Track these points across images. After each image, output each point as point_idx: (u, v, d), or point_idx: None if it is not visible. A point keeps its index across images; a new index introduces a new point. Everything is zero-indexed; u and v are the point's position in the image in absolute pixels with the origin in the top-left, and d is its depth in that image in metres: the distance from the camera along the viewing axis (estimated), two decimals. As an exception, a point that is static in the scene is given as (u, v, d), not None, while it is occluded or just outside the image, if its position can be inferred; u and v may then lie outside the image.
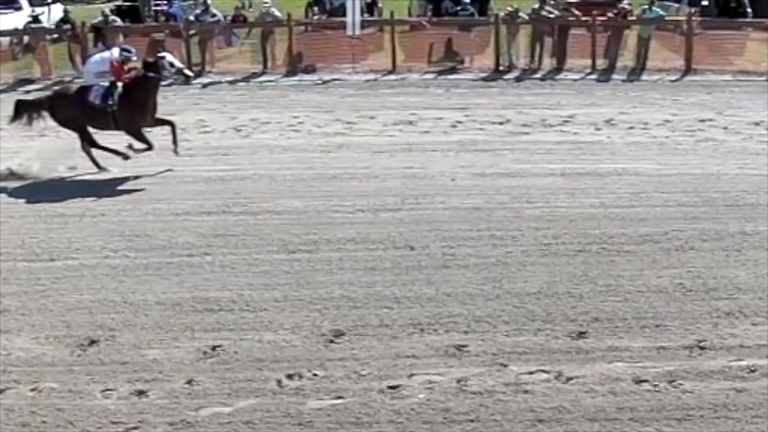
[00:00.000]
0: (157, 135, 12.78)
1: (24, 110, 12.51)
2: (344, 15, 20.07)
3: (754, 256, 9.29)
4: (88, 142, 12.43)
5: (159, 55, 12.51)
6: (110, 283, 8.91)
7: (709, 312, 8.08)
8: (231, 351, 7.56)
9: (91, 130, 12.41)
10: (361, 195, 11.41)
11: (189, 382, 7.10)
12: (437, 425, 6.55)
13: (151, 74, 12.21)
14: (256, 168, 12.62)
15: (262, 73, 19.26)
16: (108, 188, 11.85)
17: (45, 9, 22.00)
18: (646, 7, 19.93)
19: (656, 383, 6.95)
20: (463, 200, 11.16)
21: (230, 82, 18.80)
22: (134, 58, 12.43)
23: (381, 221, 10.51)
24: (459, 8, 20.41)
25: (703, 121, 15.28)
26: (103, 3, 24.64)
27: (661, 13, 20.13)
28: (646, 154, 13.22)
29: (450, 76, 19.29)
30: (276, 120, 15.49)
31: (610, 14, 19.98)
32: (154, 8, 23.09)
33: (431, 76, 19.35)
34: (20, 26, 21.16)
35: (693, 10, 20.31)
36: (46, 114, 12.48)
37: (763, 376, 7.02)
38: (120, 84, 12.20)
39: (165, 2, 22.78)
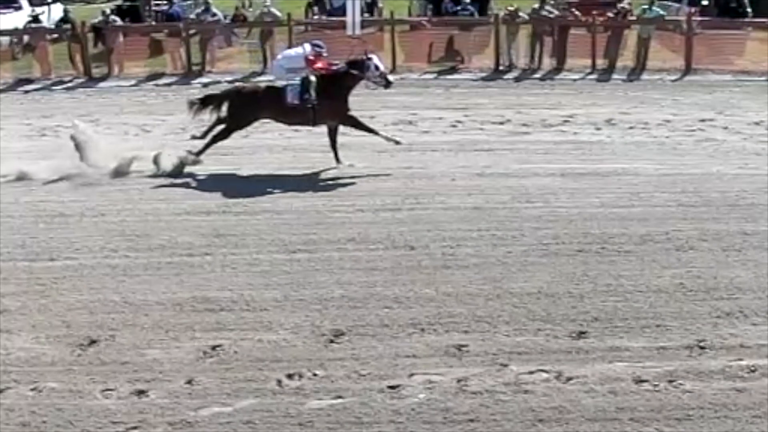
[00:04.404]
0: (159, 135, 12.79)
1: (209, 102, 12.64)
2: (344, 15, 20.06)
3: (754, 256, 9.28)
4: (221, 139, 12.54)
5: (367, 56, 12.69)
6: (110, 283, 8.90)
7: (709, 312, 8.08)
8: (231, 351, 7.56)
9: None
10: (361, 195, 11.40)
11: (189, 382, 7.10)
12: (437, 425, 6.55)
13: (353, 71, 12.45)
14: (256, 168, 12.61)
15: (262, 73, 19.21)
16: (108, 188, 11.84)
17: (45, 9, 21.97)
18: (646, 7, 19.90)
19: (656, 383, 6.96)
20: (463, 200, 11.15)
21: (230, 82, 18.76)
22: (325, 53, 12.76)
23: (381, 221, 10.50)
24: (459, 8, 20.39)
25: (703, 121, 15.27)
26: (103, 3, 24.63)
27: (661, 13, 20.11)
28: (646, 154, 13.21)
29: (450, 76, 19.28)
30: (276, 120, 15.47)
31: (610, 14, 19.98)
32: (154, 8, 23.07)
33: (431, 76, 19.34)
34: (20, 26, 21.14)
35: (693, 10, 20.29)
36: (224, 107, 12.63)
37: (763, 376, 7.02)
38: (314, 79, 12.39)
39: (165, 2, 22.76)
